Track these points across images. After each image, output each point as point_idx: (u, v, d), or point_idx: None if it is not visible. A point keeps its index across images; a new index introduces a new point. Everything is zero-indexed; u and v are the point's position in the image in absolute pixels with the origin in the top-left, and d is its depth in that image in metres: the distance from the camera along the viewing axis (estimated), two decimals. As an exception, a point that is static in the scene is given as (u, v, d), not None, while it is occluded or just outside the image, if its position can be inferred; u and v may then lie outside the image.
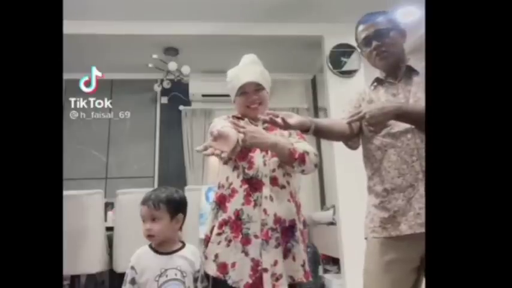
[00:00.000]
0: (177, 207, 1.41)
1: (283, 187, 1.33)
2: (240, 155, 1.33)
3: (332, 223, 3.31)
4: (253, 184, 1.30)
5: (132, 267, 1.36)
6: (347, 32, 3.63)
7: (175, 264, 1.33)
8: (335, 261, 3.40)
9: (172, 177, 4.04)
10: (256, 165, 1.32)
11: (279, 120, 1.17)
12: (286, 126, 1.18)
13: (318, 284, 3.25)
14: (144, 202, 1.38)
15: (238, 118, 1.47)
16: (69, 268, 2.29)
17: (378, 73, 1.40)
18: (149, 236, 1.36)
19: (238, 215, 1.28)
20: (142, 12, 3.18)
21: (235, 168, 1.34)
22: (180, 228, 1.44)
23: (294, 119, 1.19)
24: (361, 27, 1.37)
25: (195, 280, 1.34)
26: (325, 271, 3.44)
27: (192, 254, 1.37)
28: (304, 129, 1.23)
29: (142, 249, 1.41)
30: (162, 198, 1.38)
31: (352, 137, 1.37)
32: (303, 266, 1.29)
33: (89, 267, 2.44)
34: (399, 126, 1.25)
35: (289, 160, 1.29)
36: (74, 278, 2.57)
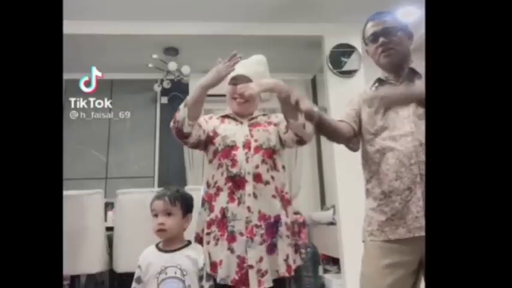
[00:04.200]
0: (190, 206, 1.46)
1: (267, 183, 1.33)
2: (223, 153, 1.35)
3: (332, 223, 3.31)
4: (236, 182, 1.31)
5: (139, 266, 1.40)
6: (347, 32, 3.63)
7: (175, 262, 1.35)
8: (335, 261, 3.40)
9: (172, 177, 4.04)
10: (239, 162, 1.33)
11: (293, 98, 1.18)
12: (297, 107, 1.19)
13: (318, 284, 3.25)
14: (160, 197, 1.42)
15: (224, 117, 1.48)
16: (69, 268, 2.28)
17: (379, 73, 1.40)
18: (160, 231, 1.38)
19: (223, 213, 1.30)
20: (142, 12, 3.18)
21: (220, 166, 1.36)
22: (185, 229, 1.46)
23: (305, 104, 1.19)
24: (369, 24, 1.37)
25: (200, 279, 1.35)
26: (325, 271, 3.44)
27: (196, 253, 1.38)
28: (309, 117, 1.23)
29: (148, 248, 1.44)
30: (179, 195, 1.43)
31: (352, 138, 1.37)
32: (285, 260, 1.29)
33: (89, 267, 2.43)
34: (399, 129, 1.25)
35: (296, 111, 1.25)
36: (74, 278, 2.56)
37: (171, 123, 1.36)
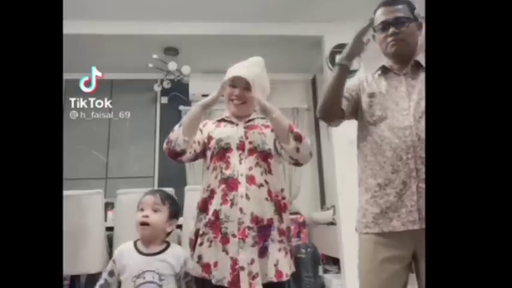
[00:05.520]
0: (176, 212, 1.47)
1: (261, 185, 1.33)
2: (218, 156, 1.36)
3: (332, 223, 3.31)
4: (229, 184, 1.31)
5: (114, 261, 1.39)
6: (347, 32, 3.61)
7: (153, 267, 1.34)
8: (335, 261, 3.40)
9: (172, 177, 4.03)
10: (232, 164, 1.33)
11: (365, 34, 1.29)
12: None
13: (318, 284, 3.25)
14: (151, 193, 1.44)
15: (220, 121, 1.49)
16: (69, 268, 2.29)
17: (383, 63, 1.38)
18: (143, 224, 1.37)
19: (217, 215, 1.30)
20: (142, 12, 3.18)
21: (214, 169, 1.36)
22: (168, 234, 1.47)
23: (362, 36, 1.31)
24: (380, 11, 1.34)
25: (178, 280, 1.37)
26: (325, 271, 3.44)
27: (174, 257, 1.38)
28: (355, 50, 1.35)
29: (126, 245, 1.42)
30: (170, 197, 1.46)
31: (338, 115, 1.36)
32: (275, 265, 1.29)
33: (89, 267, 2.43)
34: (398, 121, 1.25)
35: (287, 132, 1.31)
36: (74, 278, 2.57)
37: (164, 145, 1.40)
